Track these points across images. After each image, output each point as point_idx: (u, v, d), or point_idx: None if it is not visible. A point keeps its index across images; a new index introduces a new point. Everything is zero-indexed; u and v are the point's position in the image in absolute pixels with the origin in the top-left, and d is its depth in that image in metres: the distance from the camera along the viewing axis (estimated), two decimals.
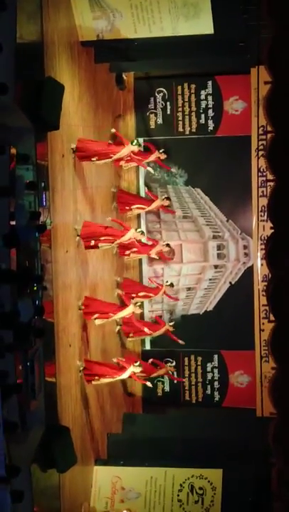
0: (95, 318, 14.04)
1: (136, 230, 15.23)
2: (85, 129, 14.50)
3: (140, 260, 17.30)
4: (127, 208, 16.17)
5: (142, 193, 17.24)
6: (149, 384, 14.95)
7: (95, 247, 14.10)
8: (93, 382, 13.83)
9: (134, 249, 15.13)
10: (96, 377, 13.78)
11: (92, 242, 14.02)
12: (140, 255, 15.88)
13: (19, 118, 10.96)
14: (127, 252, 15.00)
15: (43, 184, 11.98)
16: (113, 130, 15.79)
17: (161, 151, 16.29)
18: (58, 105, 11.90)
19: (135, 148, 15.05)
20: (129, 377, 14.20)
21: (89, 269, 14.70)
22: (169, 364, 16.21)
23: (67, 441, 12.35)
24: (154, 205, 16.30)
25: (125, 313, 14.34)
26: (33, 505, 11.19)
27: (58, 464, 12.02)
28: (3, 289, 9.76)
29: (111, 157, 14.44)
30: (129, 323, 15.22)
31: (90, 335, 14.46)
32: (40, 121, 11.50)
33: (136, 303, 14.96)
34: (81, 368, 13.72)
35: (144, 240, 15.78)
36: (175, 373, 16.82)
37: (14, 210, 10.34)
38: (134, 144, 14.90)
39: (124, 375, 14.02)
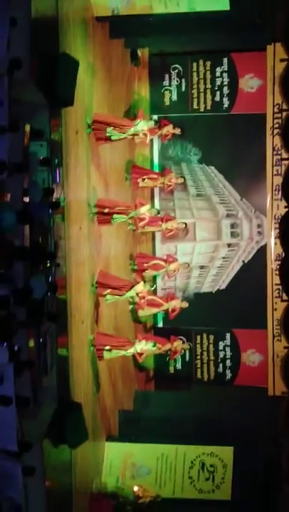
0: (107, 294, 14.04)
1: (152, 207, 15.22)
2: (99, 105, 14.43)
3: (153, 238, 17.28)
4: (140, 180, 16.02)
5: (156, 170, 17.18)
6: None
7: (108, 220, 14.06)
8: (104, 356, 13.83)
9: (145, 221, 14.95)
10: (107, 348, 13.79)
11: (107, 210, 14.00)
12: (151, 228, 15.72)
13: (33, 94, 10.92)
14: (141, 224, 14.89)
15: (56, 160, 11.95)
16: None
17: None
18: (73, 81, 11.84)
19: (151, 125, 15.00)
20: (139, 353, 14.22)
21: (102, 246, 14.69)
22: (181, 343, 16.15)
23: (79, 417, 12.40)
24: (167, 178, 16.15)
25: (137, 290, 14.33)
26: (44, 480, 11.25)
27: (69, 439, 12.08)
28: (16, 265, 9.76)
29: (125, 131, 14.34)
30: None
31: (102, 312, 14.48)
32: (54, 97, 11.45)
33: (147, 280, 14.96)
34: (91, 338, 13.75)
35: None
36: (187, 352, 16.85)
37: (28, 186, 10.32)
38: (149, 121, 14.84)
39: (136, 349, 14.04)
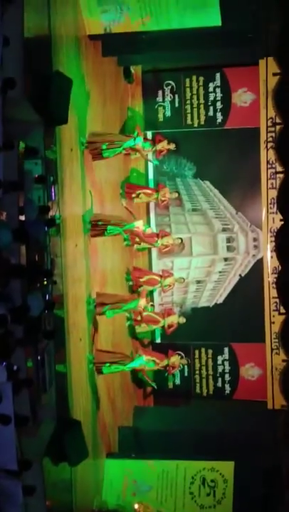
0: (106, 310, 14.04)
1: (145, 224, 15.25)
2: (93, 122, 14.48)
3: (150, 253, 17.30)
4: (134, 195, 16.02)
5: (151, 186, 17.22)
6: (154, 384, 15.01)
7: (102, 232, 14.06)
8: (103, 371, 13.81)
9: (140, 236, 14.92)
10: (106, 364, 13.78)
11: (101, 223, 14.02)
12: (147, 244, 15.70)
13: (28, 112, 10.95)
14: (136, 239, 14.88)
15: (51, 178, 11.98)
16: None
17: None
18: (66, 99, 11.88)
19: (148, 147, 15.09)
20: (139, 370, 14.20)
21: (98, 262, 14.70)
22: (179, 358, 16.12)
23: (78, 434, 12.37)
24: (161, 193, 16.14)
25: (135, 304, 14.34)
26: (45, 499, 11.21)
27: (69, 457, 12.04)
28: (13, 283, 9.77)
29: (120, 145, 14.36)
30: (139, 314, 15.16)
31: (100, 329, 14.47)
32: (48, 115, 11.48)
33: (146, 295, 14.97)
34: (90, 357, 13.74)
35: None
36: (186, 367, 16.85)
37: (23, 204, 10.34)
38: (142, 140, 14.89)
39: (135, 364, 14.03)
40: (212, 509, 14.65)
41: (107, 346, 14.82)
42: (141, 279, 15.84)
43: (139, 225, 14.68)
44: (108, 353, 14.19)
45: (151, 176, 17.44)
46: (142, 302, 14.41)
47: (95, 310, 14.00)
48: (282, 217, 15.73)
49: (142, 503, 14.42)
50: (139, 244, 15.18)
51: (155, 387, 15.64)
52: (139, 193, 16.09)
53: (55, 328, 11.65)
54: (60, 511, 12.31)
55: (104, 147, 14.07)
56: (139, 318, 14.86)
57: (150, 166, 17.38)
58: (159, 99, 17.26)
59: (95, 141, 14.01)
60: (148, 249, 16.84)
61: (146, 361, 14.17)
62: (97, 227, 14.10)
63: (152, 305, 15.91)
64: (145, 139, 15.61)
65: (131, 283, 15.95)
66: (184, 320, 15.70)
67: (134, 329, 16.16)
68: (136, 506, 14.35)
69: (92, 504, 14.08)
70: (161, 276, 15.84)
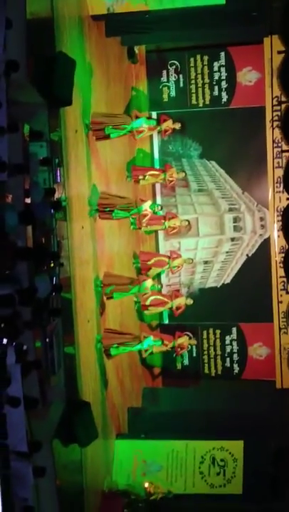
0: (114, 292, 14.06)
1: (153, 203, 15.19)
2: (97, 103, 14.44)
3: (156, 235, 17.28)
4: (141, 177, 15.95)
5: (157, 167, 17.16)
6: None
7: (110, 215, 14.06)
8: (111, 352, 13.85)
9: (148, 217, 14.87)
10: (114, 345, 13.82)
11: (107, 209, 14.01)
12: (154, 226, 15.67)
13: (31, 95, 10.92)
14: (143, 221, 14.82)
15: (57, 160, 11.95)
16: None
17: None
18: (70, 80, 11.84)
19: (151, 124, 15.00)
20: (146, 350, 14.23)
21: (105, 244, 14.70)
22: (188, 338, 16.11)
23: (88, 415, 12.41)
24: (168, 173, 16.06)
25: (143, 286, 14.34)
26: (55, 480, 11.27)
27: (79, 438, 12.09)
28: (20, 266, 9.77)
29: (124, 128, 14.31)
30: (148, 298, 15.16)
31: (108, 310, 14.49)
32: (52, 97, 11.45)
33: (152, 277, 14.96)
34: (98, 337, 13.77)
35: (160, 213, 15.73)
36: (194, 347, 16.88)
37: (29, 187, 10.33)
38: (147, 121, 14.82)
39: (143, 346, 14.05)
40: (222, 488, 14.71)
41: (115, 327, 14.84)
42: (149, 262, 15.79)
43: (146, 207, 14.61)
44: (116, 334, 14.22)
45: (156, 156, 17.39)
46: (149, 283, 14.41)
47: (103, 291, 14.02)
48: (288, 196, 15.72)
49: (152, 483, 14.48)
50: (146, 227, 15.13)
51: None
52: (146, 176, 16.00)
53: (63, 309, 11.66)
54: (71, 492, 12.37)
55: (107, 129, 14.04)
56: (147, 302, 14.84)
57: (156, 146, 17.33)
58: (164, 79, 17.19)
59: (99, 122, 13.96)
60: (155, 231, 16.84)
61: (154, 341, 14.19)
62: (104, 211, 14.09)
63: (160, 284, 15.87)
64: (149, 117, 15.52)
65: (139, 265, 15.93)
66: (192, 301, 15.67)
67: (142, 312, 16.15)
68: (146, 486, 14.41)
69: (102, 485, 14.16)
70: (169, 258, 15.80)
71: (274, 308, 16.76)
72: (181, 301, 15.51)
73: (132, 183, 16.10)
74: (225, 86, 16.98)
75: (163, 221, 15.46)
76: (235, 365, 17.45)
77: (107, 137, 14.17)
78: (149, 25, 15.07)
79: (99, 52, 14.70)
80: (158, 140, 17.21)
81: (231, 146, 17.21)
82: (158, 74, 17.21)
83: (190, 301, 15.60)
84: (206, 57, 16.99)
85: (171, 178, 15.96)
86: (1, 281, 9.42)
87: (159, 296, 15.35)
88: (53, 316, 11.15)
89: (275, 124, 16.37)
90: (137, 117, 14.51)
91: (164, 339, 14.64)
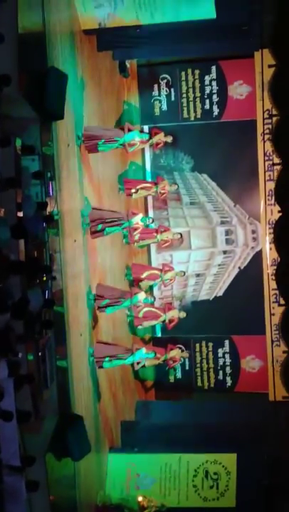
0: (106, 306, 14.05)
1: (144, 216, 15.20)
2: (90, 117, 14.48)
3: (148, 248, 17.30)
4: (133, 190, 15.94)
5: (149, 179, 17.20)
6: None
7: (102, 232, 14.07)
8: (104, 366, 13.83)
9: (139, 230, 14.84)
10: (106, 359, 13.80)
11: (100, 227, 14.01)
12: (146, 240, 15.66)
13: (23, 109, 10.94)
14: (134, 233, 14.79)
15: (49, 174, 11.97)
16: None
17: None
18: (62, 95, 11.87)
19: (144, 137, 15.03)
20: (138, 363, 14.20)
21: (97, 257, 14.70)
22: (180, 351, 16.08)
23: (81, 429, 12.38)
24: (160, 186, 16.04)
25: (135, 299, 14.34)
26: (48, 494, 11.23)
27: (72, 452, 12.06)
28: (12, 279, 9.77)
29: (116, 141, 14.34)
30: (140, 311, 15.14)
31: (100, 323, 14.48)
32: (44, 111, 11.48)
33: (144, 289, 14.97)
34: (91, 351, 13.75)
35: (152, 226, 15.74)
36: (187, 360, 16.88)
37: (21, 201, 10.34)
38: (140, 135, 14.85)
39: (135, 358, 14.03)
40: (215, 501, 14.67)
41: (108, 340, 14.82)
42: (142, 275, 15.79)
43: (137, 220, 14.61)
44: (108, 345, 14.21)
45: (148, 169, 17.43)
46: (141, 296, 14.40)
47: (96, 304, 14.01)
48: (280, 209, 15.79)
49: (145, 497, 14.42)
50: (138, 242, 15.14)
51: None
52: (138, 189, 16.00)
53: (55, 323, 11.65)
54: (64, 506, 12.33)
55: (100, 143, 14.07)
56: (140, 315, 14.82)
57: (148, 160, 17.38)
58: (155, 93, 17.26)
59: (92, 137, 13.99)
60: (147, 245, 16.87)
61: (146, 353, 14.17)
62: (96, 229, 14.09)
63: (153, 297, 15.86)
64: (141, 131, 15.57)
65: (131, 278, 15.94)
66: (185, 314, 15.66)
67: (136, 328, 16.14)
68: (140, 499, 14.36)
69: (95, 499, 14.10)
70: (161, 271, 15.81)
71: (266, 321, 16.78)
72: (174, 314, 15.48)
73: (124, 196, 16.14)
74: (216, 99, 17.05)
75: (155, 234, 15.46)
76: (228, 378, 17.45)
77: (98, 151, 14.20)
78: (141, 40, 15.13)
79: (91, 66, 14.75)
80: (150, 153, 17.27)
81: (223, 159, 17.27)
82: (149, 88, 17.28)
83: (183, 314, 15.58)
84: (197, 71, 17.08)
85: (163, 191, 15.97)
86: None
87: (152, 309, 15.34)
88: (45, 328, 11.14)
89: (267, 137, 16.43)
90: (129, 130, 14.55)
91: (156, 352, 14.63)
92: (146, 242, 15.73)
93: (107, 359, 13.81)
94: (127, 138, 14.49)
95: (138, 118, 17.23)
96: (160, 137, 15.75)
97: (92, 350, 13.80)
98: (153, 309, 15.46)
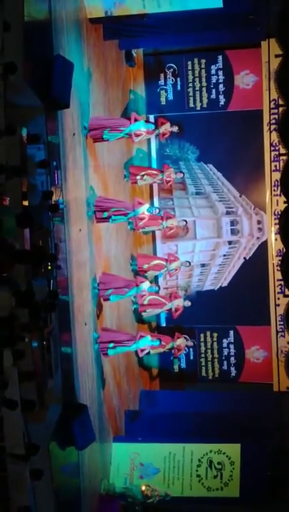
0: (110, 295, 14.05)
1: (150, 206, 15.20)
2: (95, 107, 14.45)
3: (154, 237, 17.29)
4: (138, 176, 15.88)
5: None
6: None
7: (107, 219, 14.06)
8: (108, 353, 13.83)
9: (145, 221, 14.80)
10: (112, 345, 13.80)
11: (105, 215, 14.00)
12: (152, 227, 15.59)
13: (29, 97, 10.93)
14: (140, 224, 14.76)
15: (54, 163, 11.96)
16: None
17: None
18: (68, 83, 11.85)
19: (149, 127, 14.99)
20: (142, 350, 14.19)
21: (102, 247, 14.70)
22: (185, 340, 16.05)
23: (85, 418, 12.40)
24: (166, 173, 15.96)
25: (140, 289, 14.34)
26: (52, 483, 11.27)
27: (76, 441, 12.08)
28: (17, 268, 9.78)
29: (122, 131, 14.30)
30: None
31: (105, 312, 14.49)
32: (50, 100, 11.46)
33: (150, 280, 14.96)
34: (96, 336, 13.76)
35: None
36: (191, 350, 16.91)
37: (26, 189, 10.34)
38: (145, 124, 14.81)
39: (140, 344, 14.03)
40: (219, 491, 14.70)
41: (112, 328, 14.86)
42: (146, 265, 15.76)
43: (143, 210, 14.58)
44: (113, 332, 14.22)
45: (154, 159, 17.40)
46: (146, 285, 14.40)
47: (100, 292, 14.02)
48: (286, 200, 15.74)
49: (149, 486, 14.45)
50: (143, 228, 15.10)
51: None
52: (144, 175, 15.93)
53: (60, 312, 11.66)
54: (68, 495, 12.36)
55: (105, 133, 14.04)
56: (145, 302, 14.82)
57: (153, 149, 17.34)
58: (161, 82, 17.21)
59: (97, 126, 13.97)
60: (152, 232, 16.83)
61: (151, 341, 14.17)
62: (102, 216, 14.08)
63: (158, 286, 15.86)
64: (147, 121, 15.53)
65: (136, 268, 15.93)
66: (190, 303, 15.65)
67: (140, 314, 16.14)
68: (143, 489, 14.39)
69: (99, 488, 14.14)
70: (167, 261, 15.79)
71: (271, 312, 16.77)
72: (180, 303, 15.48)
73: (129, 185, 16.11)
74: (222, 89, 16.99)
75: (160, 221, 15.43)
76: (233, 368, 17.45)
77: (104, 140, 14.17)
78: (147, 29, 15.06)
79: (97, 55, 14.71)
80: (156, 143, 17.22)
81: (229, 149, 17.21)
82: (156, 77, 17.23)
83: (188, 303, 15.58)
84: (203, 61, 17.01)
85: (168, 179, 15.91)
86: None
87: (157, 297, 15.34)
88: (48, 311, 11.11)
89: (273, 127, 16.38)
90: (135, 120, 14.51)
91: (162, 339, 14.63)
92: (151, 229, 15.68)
93: (111, 345, 13.81)
94: (133, 128, 14.46)
95: (144, 107, 17.18)
96: (166, 127, 15.71)
97: (96, 335, 13.80)
98: (158, 297, 15.47)
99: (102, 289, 14.04)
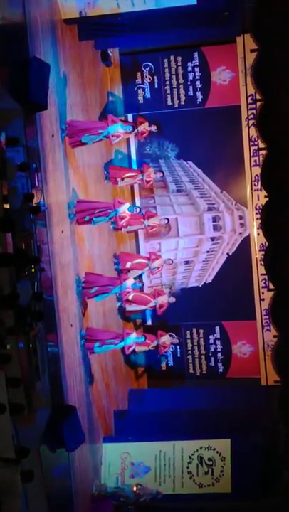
0: (95, 294, 14.08)
1: (131, 206, 15.20)
2: (73, 108, 14.43)
3: (136, 236, 17.29)
4: (118, 179, 15.94)
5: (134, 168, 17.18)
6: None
7: (89, 221, 14.08)
8: (95, 351, 13.88)
9: (126, 219, 14.82)
10: (97, 343, 13.85)
11: (87, 218, 14.02)
12: (134, 226, 15.63)
13: (6, 101, 10.90)
14: (121, 222, 14.79)
15: (34, 165, 11.94)
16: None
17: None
18: (45, 85, 11.83)
19: (127, 129, 15.01)
20: (129, 347, 14.23)
21: (85, 247, 14.70)
22: (170, 338, 16.06)
23: (74, 420, 12.40)
24: (146, 173, 16.00)
25: (124, 286, 14.39)
26: (43, 486, 11.26)
27: (66, 443, 12.07)
28: (1, 272, 9.76)
29: (100, 133, 14.33)
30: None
31: (90, 311, 14.49)
32: (28, 103, 11.43)
33: (134, 277, 15.00)
34: (83, 333, 13.79)
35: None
36: (178, 347, 16.94)
37: (7, 193, 10.31)
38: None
39: (126, 342, 14.07)
40: (211, 487, 14.73)
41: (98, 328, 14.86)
42: (129, 263, 15.79)
43: (124, 209, 14.62)
44: (99, 330, 14.27)
45: (134, 158, 17.40)
46: (130, 282, 14.48)
47: (85, 291, 14.04)
48: (266, 194, 15.76)
49: (140, 485, 14.48)
50: (126, 227, 15.12)
51: None
52: (124, 178, 16.00)
53: (45, 314, 11.64)
54: (60, 497, 12.36)
55: (83, 137, 14.06)
56: (130, 297, 14.87)
57: (133, 148, 17.34)
58: (138, 81, 17.20)
59: (74, 133, 13.97)
60: (135, 232, 16.84)
61: (136, 338, 14.25)
62: (83, 219, 14.10)
63: (142, 283, 15.89)
64: (126, 122, 15.55)
65: (119, 268, 15.94)
66: (174, 299, 15.71)
67: (125, 310, 16.17)
68: (135, 488, 14.41)
69: (91, 488, 14.14)
70: (149, 259, 15.82)
71: (256, 306, 16.82)
72: (164, 299, 15.55)
73: (110, 185, 16.12)
74: (199, 86, 17.01)
75: (142, 220, 15.46)
76: (220, 364, 17.49)
77: (83, 144, 14.18)
78: (122, 28, 15.06)
79: (73, 56, 14.69)
80: (135, 142, 17.22)
81: (208, 145, 17.23)
82: (132, 76, 17.22)
83: (172, 299, 15.65)
84: (179, 58, 17.00)
85: (148, 179, 15.98)
86: None
87: (141, 294, 15.40)
88: (36, 320, 11.14)
89: (251, 122, 16.42)
90: (113, 122, 14.53)
91: (146, 337, 14.69)
92: (133, 228, 15.68)
93: (97, 344, 13.87)
94: (111, 130, 14.49)
95: (122, 107, 17.17)
96: (145, 126, 15.73)
97: (83, 333, 13.82)
98: (142, 294, 15.51)
99: (86, 288, 14.07)
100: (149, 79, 17.17)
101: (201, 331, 17.48)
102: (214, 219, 17.35)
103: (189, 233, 17.46)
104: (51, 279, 12.40)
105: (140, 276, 16.93)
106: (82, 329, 13.91)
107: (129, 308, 15.76)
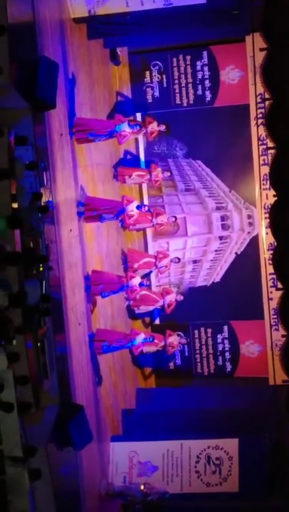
0: (101, 290, 14.09)
1: (140, 204, 15.21)
2: (81, 107, 14.43)
3: (145, 235, 17.28)
4: (127, 177, 15.95)
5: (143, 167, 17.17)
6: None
7: (97, 218, 14.08)
8: (104, 352, 13.89)
9: (134, 218, 14.84)
10: (105, 343, 13.86)
11: (95, 213, 14.03)
12: (142, 224, 15.64)
13: (15, 99, 10.90)
14: (130, 221, 14.80)
15: (43, 164, 11.95)
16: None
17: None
18: (54, 84, 11.83)
19: (135, 128, 15.00)
20: (137, 348, 14.24)
21: (94, 246, 14.70)
22: (178, 337, 16.06)
23: (82, 418, 12.40)
24: (154, 173, 16.01)
25: (134, 283, 14.42)
26: (51, 484, 11.26)
27: (73, 442, 12.07)
28: (9, 270, 9.77)
29: (107, 132, 14.33)
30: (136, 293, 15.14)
31: (98, 311, 14.49)
32: (36, 101, 11.44)
33: (141, 275, 15.03)
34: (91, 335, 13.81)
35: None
36: (186, 347, 16.93)
37: (15, 191, 10.32)
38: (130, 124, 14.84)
39: (134, 343, 14.08)
40: (218, 486, 14.71)
41: (106, 328, 14.85)
42: (136, 264, 15.81)
43: (132, 207, 14.64)
44: (108, 331, 14.28)
45: (142, 157, 17.39)
46: (137, 280, 14.48)
47: (92, 289, 14.05)
48: (275, 193, 15.73)
49: (148, 484, 14.48)
50: (134, 225, 15.14)
51: None
52: (132, 176, 16.01)
53: (54, 313, 11.66)
54: (67, 496, 12.35)
55: (90, 134, 14.07)
56: (138, 297, 14.88)
57: (141, 148, 17.34)
58: (147, 80, 17.19)
59: (82, 127, 13.97)
60: (143, 230, 16.84)
61: (144, 338, 14.26)
62: (91, 216, 14.11)
63: (149, 281, 15.88)
64: (134, 121, 15.54)
65: (127, 265, 15.95)
66: (182, 297, 15.68)
67: (133, 310, 16.17)
68: (142, 487, 14.41)
69: (98, 487, 14.14)
70: (156, 258, 15.83)
71: (264, 306, 16.80)
72: (172, 298, 15.52)
73: (118, 184, 16.12)
74: (208, 85, 16.99)
75: (150, 218, 15.46)
76: (228, 364, 17.46)
77: (89, 141, 14.19)
78: (131, 27, 15.08)
79: (82, 54, 14.70)
80: (143, 141, 17.21)
81: (217, 144, 17.21)
82: (141, 75, 17.21)
83: (180, 297, 15.62)
84: (188, 57, 16.99)
85: (156, 178, 15.98)
86: None
87: (148, 293, 15.39)
88: (44, 316, 11.14)
89: (260, 121, 16.40)
90: (120, 121, 14.53)
91: (154, 337, 14.69)
92: (142, 226, 15.70)
93: (105, 344, 13.88)
94: (118, 128, 14.50)
95: (130, 106, 17.16)
96: (153, 126, 15.73)
97: (92, 334, 13.83)
98: (149, 293, 15.50)
99: (94, 285, 14.08)
100: (158, 78, 17.16)
101: (209, 330, 17.46)
102: (223, 218, 17.33)
103: (198, 232, 17.44)
104: (59, 277, 12.40)
105: (148, 275, 16.92)
106: (91, 328, 13.91)
107: (138, 311, 15.78)
